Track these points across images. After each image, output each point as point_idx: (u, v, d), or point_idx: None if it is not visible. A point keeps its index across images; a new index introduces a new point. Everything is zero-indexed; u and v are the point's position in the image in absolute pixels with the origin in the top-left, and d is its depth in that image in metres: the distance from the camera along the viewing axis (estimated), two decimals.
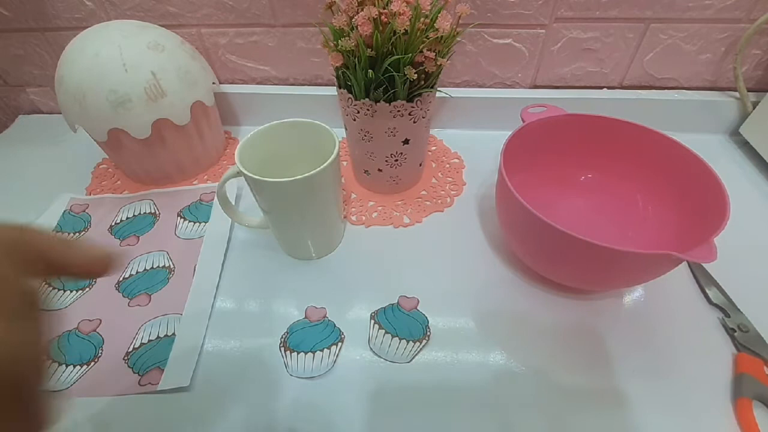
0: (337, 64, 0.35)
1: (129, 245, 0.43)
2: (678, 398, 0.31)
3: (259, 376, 0.33)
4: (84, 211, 0.47)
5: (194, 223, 0.45)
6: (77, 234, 0.44)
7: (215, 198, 0.47)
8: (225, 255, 0.41)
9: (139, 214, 0.46)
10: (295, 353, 0.34)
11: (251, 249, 0.42)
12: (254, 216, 0.41)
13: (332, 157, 0.34)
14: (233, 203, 0.43)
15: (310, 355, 0.33)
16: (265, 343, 0.34)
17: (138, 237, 0.44)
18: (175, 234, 0.44)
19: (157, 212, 0.46)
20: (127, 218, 0.46)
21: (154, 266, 0.41)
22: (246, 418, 0.30)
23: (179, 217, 0.45)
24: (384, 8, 0.32)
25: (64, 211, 0.47)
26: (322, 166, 0.33)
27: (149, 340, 0.35)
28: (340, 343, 0.34)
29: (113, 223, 0.45)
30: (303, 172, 0.32)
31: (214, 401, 0.31)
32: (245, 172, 0.33)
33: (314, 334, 0.35)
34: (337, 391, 0.32)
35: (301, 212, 0.36)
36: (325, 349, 0.34)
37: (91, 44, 0.41)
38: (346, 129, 0.44)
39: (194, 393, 0.32)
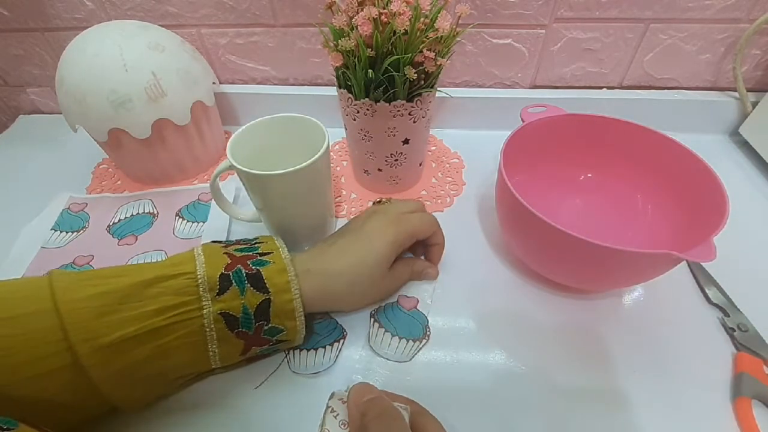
0: (337, 64, 0.35)
1: (127, 245, 0.43)
2: (677, 398, 0.31)
3: (260, 373, 0.33)
4: (82, 210, 0.47)
5: (192, 222, 0.45)
6: (75, 233, 0.44)
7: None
8: None
9: (138, 213, 0.46)
10: (297, 351, 0.34)
11: None
12: (248, 210, 0.41)
13: (321, 151, 0.34)
14: (231, 201, 0.43)
15: (312, 351, 0.34)
16: None
17: (136, 237, 0.44)
18: (174, 234, 0.44)
19: (156, 212, 0.46)
20: (126, 218, 0.46)
21: None
22: (246, 415, 0.31)
23: (177, 217, 0.45)
24: (384, 8, 0.32)
25: (63, 209, 0.46)
26: (310, 160, 0.34)
27: None
28: (342, 340, 0.34)
29: (111, 223, 0.45)
30: (293, 166, 0.33)
31: (214, 398, 0.31)
32: (236, 164, 0.34)
33: (316, 331, 0.35)
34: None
35: (289, 206, 0.37)
36: (327, 346, 0.34)
37: (92, 44, 0.41)
38: (346, 129, 0.44)
39: (194, 390, 0.32)
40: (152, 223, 0.45)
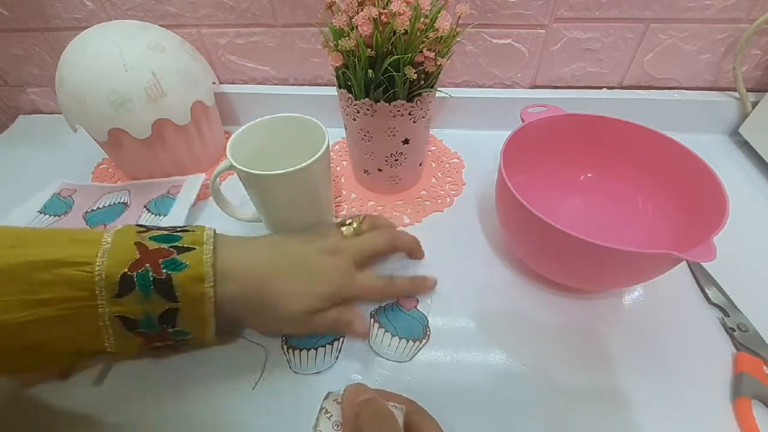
0: (337, 64, 0.35)
1: None
2: (677, 398, 0.31)
3: (259, 373, 0.33)
4: (70, 195, 0.48)
5: (156, 215, 0.45)
6: (57, 217, 0.45)
7: (180, 191, 0.47)
8: None
9: (114, 203, 0.47)
10: (297, 350, 0.34)
11: None
12: (248, 210, 0.41)
13: (321, 151, 0.34)
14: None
15: (312, 351, 0.34)
16: (264, 341, 0.34)
17: (105, 225, 0.44)
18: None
19: (129, 203, 0.47)
20: (103, 206, 0.46)
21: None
22: (246, 415, 0.31)
23: (145, 209, 0.46)
24: (384, 8, 0.32)
25: (54, 194, 0.47)
26: (310, 160, 0.34)
27: None
28: (342, 338, 0.34)
29: (89, 210, 0.46)
30: (293, 166, 0.33)
31: (213, 398, 0.31)
32: (236, 165, 0.34)
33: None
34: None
35: (289, 206, 0.37)
36: (327, 345, 0.34)
37: (92, 44, 0.41)
38: (346, 129, 0.44)
39: (192, 389, 0.32)
40: (122, 214, 0.45)
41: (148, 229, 0.28)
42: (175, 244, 0.27)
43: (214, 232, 0.30)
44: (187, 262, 0.26)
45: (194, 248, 0.27)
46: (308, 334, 0.34)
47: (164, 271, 0.26)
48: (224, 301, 0.28)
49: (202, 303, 0.27)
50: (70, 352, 0.27)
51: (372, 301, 0.36)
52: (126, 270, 0.25)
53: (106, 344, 0.26)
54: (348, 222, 0.36)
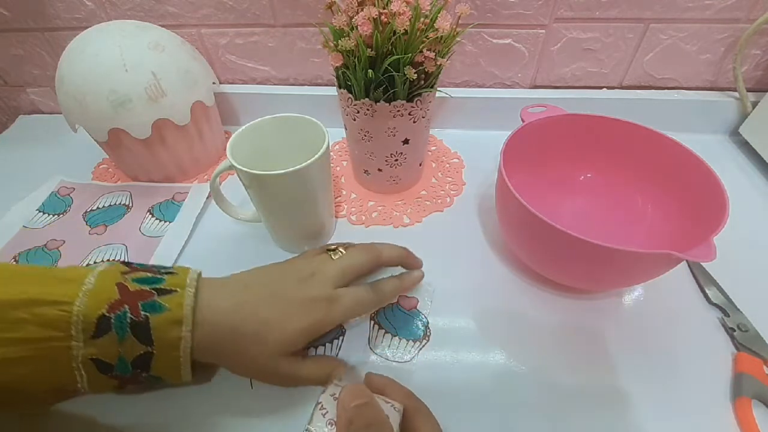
0: (337, 64, 0.35)
1: (96, 234, 0.44)
2: (678, 397, 0.31)
3: None
4: (69, 194, 0.48)
5: (160, 221, 0.45)
6: (56, 216, 0.45)
7: (186, 199, 0.47)
8: (176, 260, 0.41)
9: (114, 204, 0.47)
10: None
11: (246, 242, 0.43)
12: (248, 210, 0.41)
13: (321, 151, 0.34)
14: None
15: (312, 350, 0.33)
16: None
17: (106, 226, 0.44)
18: (139, 229, 0.44)
19: (131, 204, 0.47)
20: (103, 207, 0.47)
21: (110, 259, 0.41)
22: (244, 414, 0.31)
23: (148, 213, 0.46)
24: (384, 8, 0.32)
25: (52, 192, 0.48)
26: (310, 160, 0.34)
27: None
28: (341, 337, 0.35)
29: (89, 209, 0.46)
30: (293, 166, 0.33)
31: (210, 397, 0.31)
32: (236, 165, 0.34)
33: None
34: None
35: (289, 206, 0.37)
36: (327, 344, 0.34)
37: (92, 44, 0.41)
38: (346, 129, 0.44)
39: (190, 388, 0.32)
40: (124, 216, 0.45)
41: (133, 269, 0.27)
42: (157, 286, 0.26)
43: (199, 275, 0.29)
44: (167, 305, 0.26)
45: (176, 291, 0.27)
46: (293, 384, 0.31)
47: (143, 313, 0.25)
48: (199, 347, 0.27)
49: (177, 349, 0.26)
50: (45, 391, 0.26)
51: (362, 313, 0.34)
52: (104, 311, 0.24)
53: (79, 385, 0.26)
54: (333, 248, 0.35)
